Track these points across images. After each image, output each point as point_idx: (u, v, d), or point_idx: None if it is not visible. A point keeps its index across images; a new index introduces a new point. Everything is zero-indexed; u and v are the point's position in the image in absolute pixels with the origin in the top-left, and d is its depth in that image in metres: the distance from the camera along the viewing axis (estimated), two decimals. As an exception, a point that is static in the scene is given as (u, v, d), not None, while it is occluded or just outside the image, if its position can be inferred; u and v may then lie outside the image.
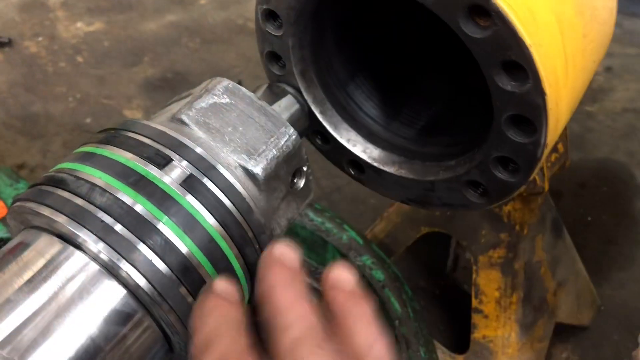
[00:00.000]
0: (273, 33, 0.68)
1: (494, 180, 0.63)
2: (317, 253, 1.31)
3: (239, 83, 1.97)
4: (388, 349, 0.45)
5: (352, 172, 0.75)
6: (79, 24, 2.50)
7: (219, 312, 0.47)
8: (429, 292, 1.56)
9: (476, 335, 1.26)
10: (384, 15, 0.72)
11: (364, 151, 0.73)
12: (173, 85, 2.22)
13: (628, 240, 1.67)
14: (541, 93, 0.53)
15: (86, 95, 2.16)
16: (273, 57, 0.71)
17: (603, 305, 1.50)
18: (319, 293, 1.37)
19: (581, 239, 1.65)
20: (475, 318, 1.25)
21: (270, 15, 0.66)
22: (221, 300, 0.48)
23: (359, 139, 0.74)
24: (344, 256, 1.27)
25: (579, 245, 1.60)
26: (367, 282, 1.22)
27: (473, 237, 1.20)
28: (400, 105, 0.75)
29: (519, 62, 0.52)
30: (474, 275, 1.23)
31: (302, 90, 0.71)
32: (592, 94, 2.12)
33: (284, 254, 0.49)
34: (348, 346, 0.44)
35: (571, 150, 1.76)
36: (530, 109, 0.54)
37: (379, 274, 1.23)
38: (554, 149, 1.07)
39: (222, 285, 0.49)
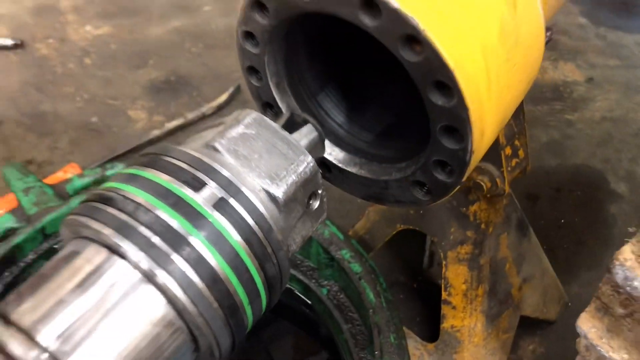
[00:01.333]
0: (251, 50, 0.78)
1: (435, 180, 0.74)
2: (303, 248, 1.41)
3: (238, 87, 2.10)
4: None
5: (320, 172, 0.86)
6: (88, 28, 2.62)
7: None
8: (407, 286, 1.67)
9: (445, 325, 1.36)
10: (347, 36, 0.83)
11: (331, 154, 0.84)
12: (176, 88, 2.33)
13: (598, 242, 1.77)
14: (465, 108, 0.63)
15: (93, 95, 2.28)
16: (252, 70, 0.82)
17: (570, 302, 1.60)
18: (303, 285, 1.46)
19: (554, 239, 1.76)
20: (445, 309, 1.35)
21: (248, 36, 0.77)
22: None
23: (327, 143, 0.84)
24: (326, 250, 1.37)
25: (552, 246, 1.71)
26: (346, 274, 1.32)
27: (443, 234, 1.30)
28: (362, 113, 0.86)
29: (445, 82, 0.63)
30: (443, 270, 1.33)
31: (277, 100, 0.82)
32: (573, 103, 2.23)
33: None
34: None
35: (549, 156, 1.87)
36: (458, 121, 0.65)
37: (356, 267, 1.32)
38: (514, 154, 1.17)
39: None
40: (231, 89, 2.29)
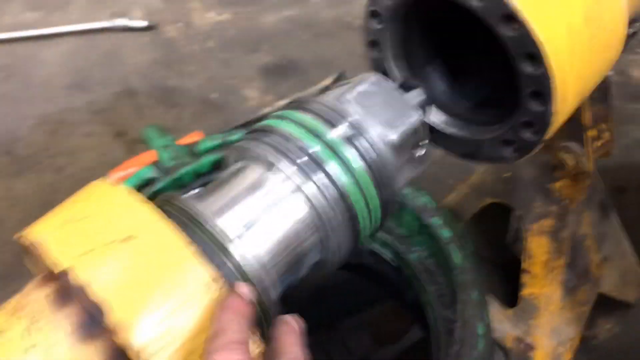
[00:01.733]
0: (375, 27, 0.96)
1: (522, 139, 0.88)
2: (395, 216, 1.57)
3: (343, 73, 2.31)
4: None
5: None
6: (211, 14, 2.90)
7: (233, 309, 0.59)
8: (491, 261, 1.79)
9: (524, 292, 1.48)
10: (454, 19, 0.99)
11: (434, 117, 1.00)
12: (286, 71, 2.56)
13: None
14: (550, 76, 0.78)
15: (213, 74, 2.55)
16: (373, 44, 0.99)
17: (650, 289, 1.67)
18: (394, 251, 1.58)
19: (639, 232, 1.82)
20: (524, 278, 1.47)
21: (373, 14, 0.95)
22: (238, 299, 0.60)
23: (432, 108, 1.01)
24: (418, 218, 1.52)
25: (637, 238, 1.77)
26: (435, 241, 1.47)
27: (528, 208, 1.42)
28: (462, 85, 1.01)
29: (535, 54, 0.77)
30: (525, 241, 1.45)
31: (393, 69, 1.00)
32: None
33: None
34: None
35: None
36: (543, 87, 0.79)
37: (446, 232, 1.47)
38: (600, 136, 1.28)
39: (242, 287, 0.62)
40: (336, 74, 2.48)
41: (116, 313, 0.57)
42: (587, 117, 1.23)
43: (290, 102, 0.85)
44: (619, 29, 0.87)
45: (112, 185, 0.67)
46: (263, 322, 0.70)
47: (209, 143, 1.71)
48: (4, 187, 2.16)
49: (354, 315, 1.79)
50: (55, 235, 0.61)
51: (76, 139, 2.30)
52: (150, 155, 1.83)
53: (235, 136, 1.69)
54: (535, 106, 0.83)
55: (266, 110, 2.34)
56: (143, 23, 2.79)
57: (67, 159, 2.23)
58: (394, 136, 0.81)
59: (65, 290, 0.60)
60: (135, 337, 0.56)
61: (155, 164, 1.68)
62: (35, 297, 0.61)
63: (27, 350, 0.58)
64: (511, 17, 0.77)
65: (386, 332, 1.77)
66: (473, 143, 0.97)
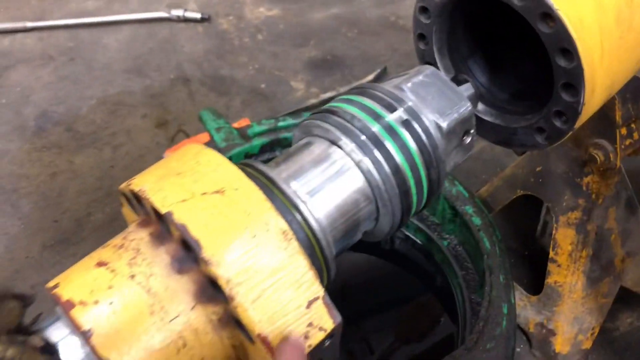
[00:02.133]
0: (423, 21, 1.07)
1: (553, 127, 0.98)
2: (430, 206, 1.66)
3: (385, 69, 2.45)
4: None
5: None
6: (261, 9, 3.04)
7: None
8: (518, 252, 1.88)
9: (549, 280, 1.57)
10: (495, 18, 1.09)
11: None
12: (331, 66, 2.68)
13: None
14: (581, 69, 0.87)
15: (262, 66, 2.68)
16: (421, 37, 1.10)
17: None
18: (427, 237, 1.68)
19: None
20: (550, 266, 1.56)
21: (423, 10, 1.05)
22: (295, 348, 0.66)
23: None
24: (451, 206, 1.61)
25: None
26: (466, 229, 1.56)
27: (557, 200, 1.51)
28: (500, 78, 1.11)
29: (569, 49, 0.87)
30: (553, 232, 1.54)
31: (437, 61, 1.10)
32: None
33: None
34: None
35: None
36: (575, 79, 0.89)
37: (477, 220, 1.56)
38: (629, 135, 1.36)
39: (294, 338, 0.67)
40: (378, 70, 2.60)
41: (209, 249, 0.66)
42: (618, 115, 1.32)
43: (353, 88, 0.96)
44: (649, 30, 0.96)
45: (204, 148, 0.77)
46: (324, 275, 0.80)
47: (259, 128, 1.83)
48: (65, 160, 2.32)
49: (378, 314, 1.88)
50: (157, 186, 0.72)
51: (133, 120, 2.46)
52: (204, 137, 1.97)
53: (283, 123, 1.81)
54: (567, 97, 0.92)
55: (312, 101, 2.47)
56: (197, 15, 2.94)
57: (124, 138, 2.38)
58: (444, 123, 0.88)
59: (165, 230, 0.71)
60: (225, 269, 0.65)
61: (209, 143, 1.82)
62: (138, 235, 0.72)
63: (132, 277, 0.67)
64: (549, 16, 0.87)
65: (410, 331, 1.86)
66: (507, 130, 1.07)
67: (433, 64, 1.11)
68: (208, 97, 2.51)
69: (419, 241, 1.72)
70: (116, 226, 2.10)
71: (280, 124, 1.83)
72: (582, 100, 0.91)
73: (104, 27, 2.92)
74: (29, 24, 2.93)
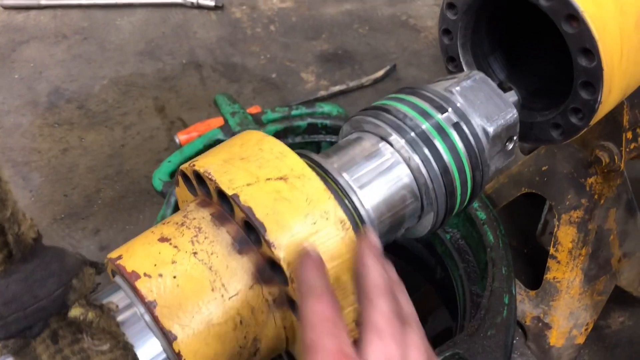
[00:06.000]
0: (450, 17, 1.12)
1: (569, 124, 1.03)
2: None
3: (394, 67, 2.51)
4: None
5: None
6: (275, 0, 3.08)
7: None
8: (519, 250, 1.94)
9: (548, 275, 1.63)
10: (518, 18, 1.14)
11: (491, 101, 1.16)
12: (341, 60, 2.72)
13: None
14: (601, 69, 0.93)
15: (274, 56, 2.72)
16: (446, 32, 1.15)
17: (665, 291, 1.80)
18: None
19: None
20: (550, 262, 1.62)
21: (450, 6, 1.10)
22: (317, 261, 0.69)
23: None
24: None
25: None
26: (469, 223, 1.61)
27: (560, 199, 1.57)
28: (519, 75, 1.17)
29: (590, 49, 0.93)
30: (555, 229, 1.60)
31: (460, 56, 1.15)
32: None
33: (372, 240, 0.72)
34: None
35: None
36: (594, 78, 0.95)
37: (481, 214, 1.61)
38: (634, 139, 1.42)
39: (314, 252, 0.69)
40: (387, 67, 2.65)
41: (273, 232, 0.69)
42: (625, 120, 1.37)
43: (403, 88, 0.96)
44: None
45: (265, 135, 0.80)
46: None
47: (273, 115, 1.88)
48: (76, 136, 2.36)
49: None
50: (223, 168, 0.74)
51: (144, 101, 2.49)
52: (217, 121, 2.02)
53: (296, 111, 1.85)
54: (585, 95, 0.98)
55: (321, 93, 2.52)
56: (211, 2, 2.97)
57: (135, 118, 2.42)
58: (491, 128, 0.90)
59: (225, 211, 0.73)
60: (287, 252, 0.68)
61: (223, 127, 1.86)
62: (199, 215, 0.75)
63: (194, 254, 0.70)
64: (574, 17, 0.92)
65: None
66: (523, 125, 1.12)
67: (456, 58, 1.16)
68: (219, 83, 2.55)
69: (422, 234, 1.75)
70: (125, 203, 2.14)
71: (294, 112, 1.87)
72: (599, 98, 0.96)
73: (117, 9, 2.95)
74: (43, 2, 2.96)
